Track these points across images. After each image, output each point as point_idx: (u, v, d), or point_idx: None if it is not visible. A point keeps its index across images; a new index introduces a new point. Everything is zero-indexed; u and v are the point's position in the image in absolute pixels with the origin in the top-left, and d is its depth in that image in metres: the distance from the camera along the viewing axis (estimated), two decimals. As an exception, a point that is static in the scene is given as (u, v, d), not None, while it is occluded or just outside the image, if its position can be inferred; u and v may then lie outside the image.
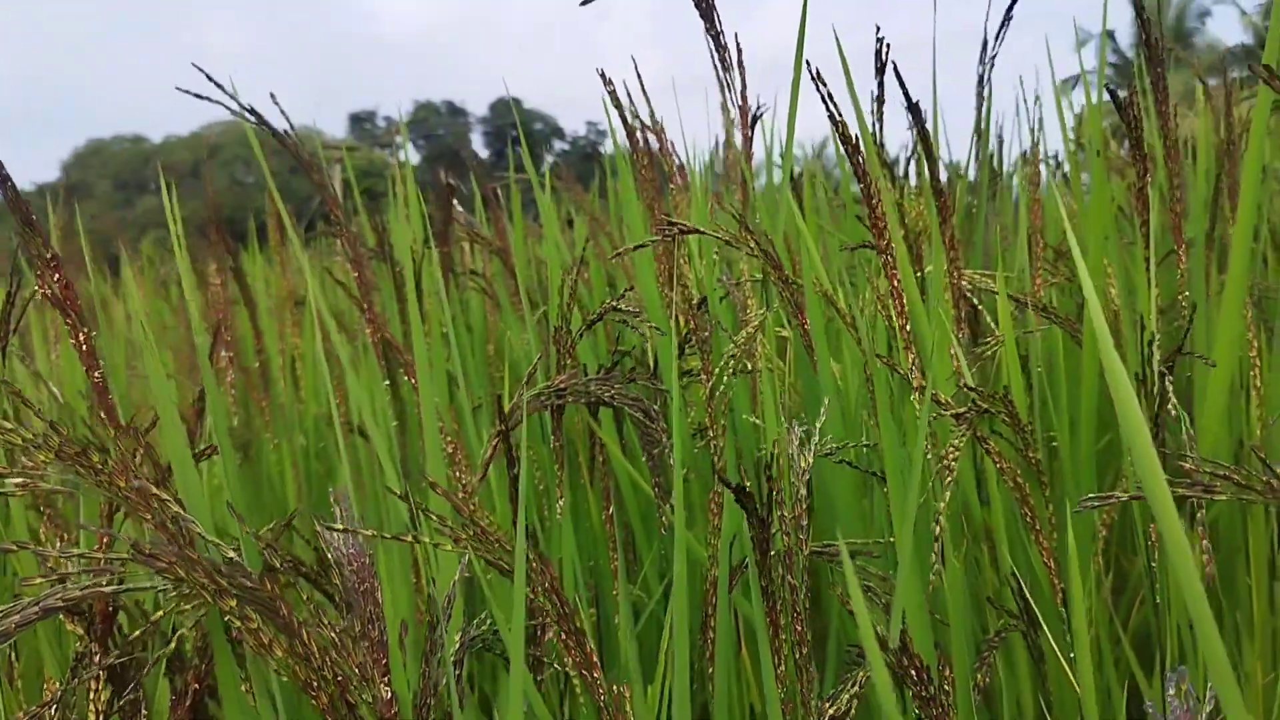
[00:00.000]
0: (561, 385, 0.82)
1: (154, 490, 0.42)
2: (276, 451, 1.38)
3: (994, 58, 1.06)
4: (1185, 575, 0.34)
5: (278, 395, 1.51)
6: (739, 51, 0.84)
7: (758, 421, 0.95)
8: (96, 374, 0.62)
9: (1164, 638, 0.79)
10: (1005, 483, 0.68)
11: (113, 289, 2.77)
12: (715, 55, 0.82)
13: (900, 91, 0.88)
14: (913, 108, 0.84)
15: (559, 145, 37.99)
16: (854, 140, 0.65)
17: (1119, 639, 0.98)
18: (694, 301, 0.93)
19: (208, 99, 0.72)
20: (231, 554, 0.42)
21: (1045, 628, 0.69)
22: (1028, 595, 0.70)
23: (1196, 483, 0.57)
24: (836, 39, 0.79)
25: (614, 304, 0.82)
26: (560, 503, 0.83)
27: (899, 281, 0.67)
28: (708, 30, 0.80)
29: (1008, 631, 0.70)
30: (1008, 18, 1.05)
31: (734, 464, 0.92)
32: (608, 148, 1.09)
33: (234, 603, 0.39)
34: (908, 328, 0.68)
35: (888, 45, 0.72)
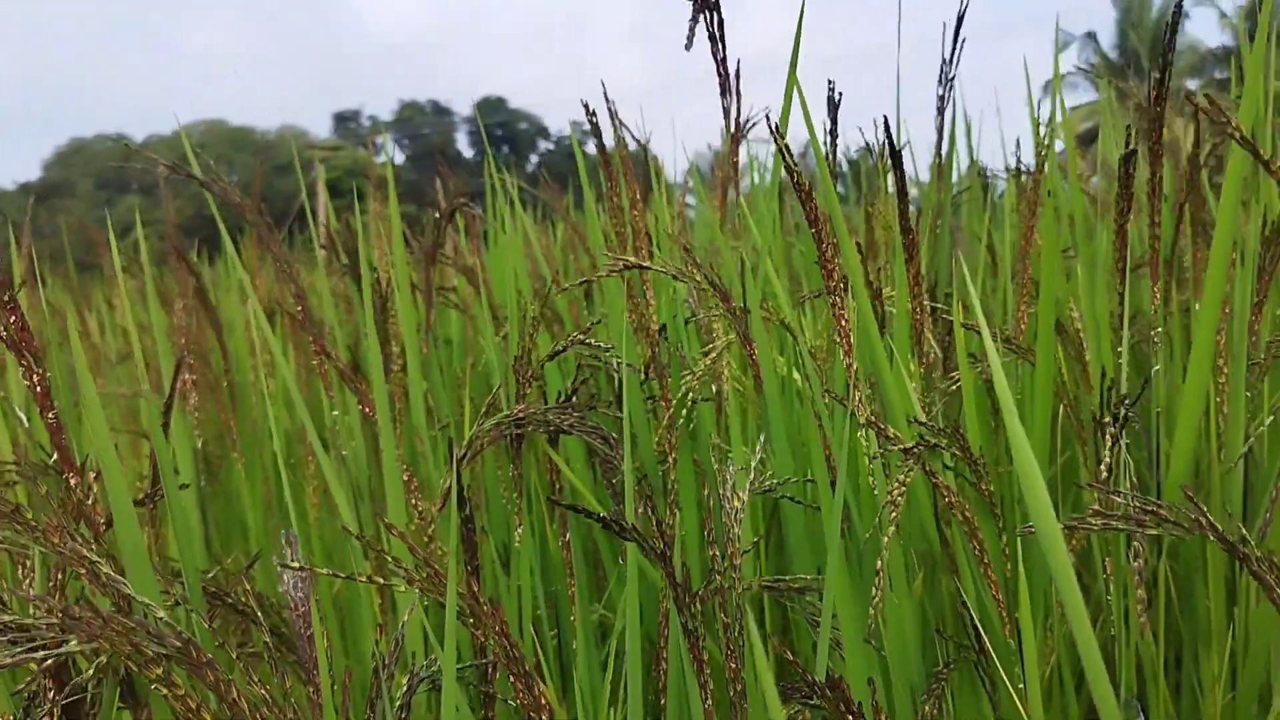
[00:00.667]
0: (520, 415, 0.82)
1: (84, 553, 0.42)
2: (245, 470, 1.38)
3: (952, 79, 1.07)
4: (1082, 634, 0.34)
5: (248, 411, 1.51)
6: (738, 78, 0.83)
7: (720, 443, 0.95)
8: (50, 415, 0.62)
9: (1120, 665, 0.80)
10: (955, 515, 0.69)
11: (86, 300, 2.75)
12: (718, 77, 0.82)
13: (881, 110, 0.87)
14: (894, 154, 0.83)
15: (544, 145, 37.95)
16: (808, 189, 0.66)
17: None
18: (654, 329, 0.94)
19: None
20: (161, 614, 0.42)
21: (996, 659, 0.70)
22: (979, 626, 0.70)
23: (1129, 517, 0.58)
24: (799, 88, 0.79)
25: (577, 338, 0.82)
26: (518, 530, 0.83)
27: (847, 322, 0.67)
28: (714, 54, 0.79)
29: (957, 663, 0.70)
30: (959, 37, 1.06)
31: (693, 490, 0.92)
32: (590, 149, 1.10)
33: (159, 670, 0.39)
34: (854, 366, 0.69)
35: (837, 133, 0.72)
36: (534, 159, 36.73)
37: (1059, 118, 1.15)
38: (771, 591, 0.71)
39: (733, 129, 0.83)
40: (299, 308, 0.95)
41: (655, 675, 0.73)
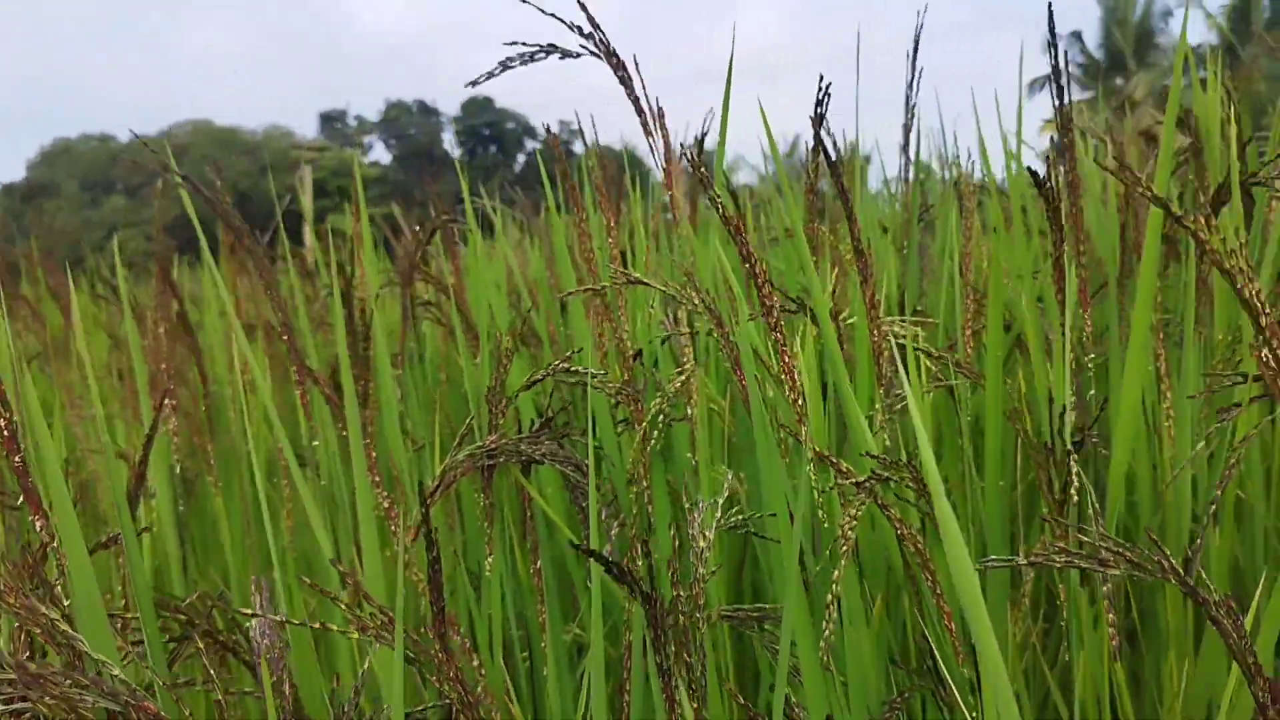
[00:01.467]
0: (493, 446, 0.83)
1: (43, 610, 0.43)
2: (221, 494, 1.38)
3: (915, 106, 1.09)
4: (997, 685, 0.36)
5: (226, 426, 1.51)
6: (659, 117, 0.84)
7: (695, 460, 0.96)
8: (17, 459, 0.63)
9: (1076, 691, 0.82)
10: (908, 548, 0.70)
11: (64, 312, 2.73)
12: (638, 116, 0.83)
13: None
14: (841, 186, 0.85)
15: (530, 145, 37.93)
16: (737, 225, 0.67)
17: (1044, 674, 1.01)
18: (629, 353, 0.95)
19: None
20: (116, 671, 0.43)
21: (953, 686, 0.71)
22: (935, 654, 0.72)
23: (1093, 557, 0.60)
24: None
25: (560, 365, 0.83)
26: (489, 560, 0.84)
27: (790, 358, 0.69)
28: (629, 96, 0.81)
29: (914, 691, 0.72)
30: (915, 76, 1.07)
31: (667, 511, 0.93)
32: (578, 148, 1.11)
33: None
34: (800, 402, 0.70)
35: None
36: (521, 158, 36.74)
37: (1024, 131, 1.17)
38: (730, 621, 0.72)
39: (662, 164, 0.84)
40: (284, 336, 0.96)
41: (620, 705, 0.75)
